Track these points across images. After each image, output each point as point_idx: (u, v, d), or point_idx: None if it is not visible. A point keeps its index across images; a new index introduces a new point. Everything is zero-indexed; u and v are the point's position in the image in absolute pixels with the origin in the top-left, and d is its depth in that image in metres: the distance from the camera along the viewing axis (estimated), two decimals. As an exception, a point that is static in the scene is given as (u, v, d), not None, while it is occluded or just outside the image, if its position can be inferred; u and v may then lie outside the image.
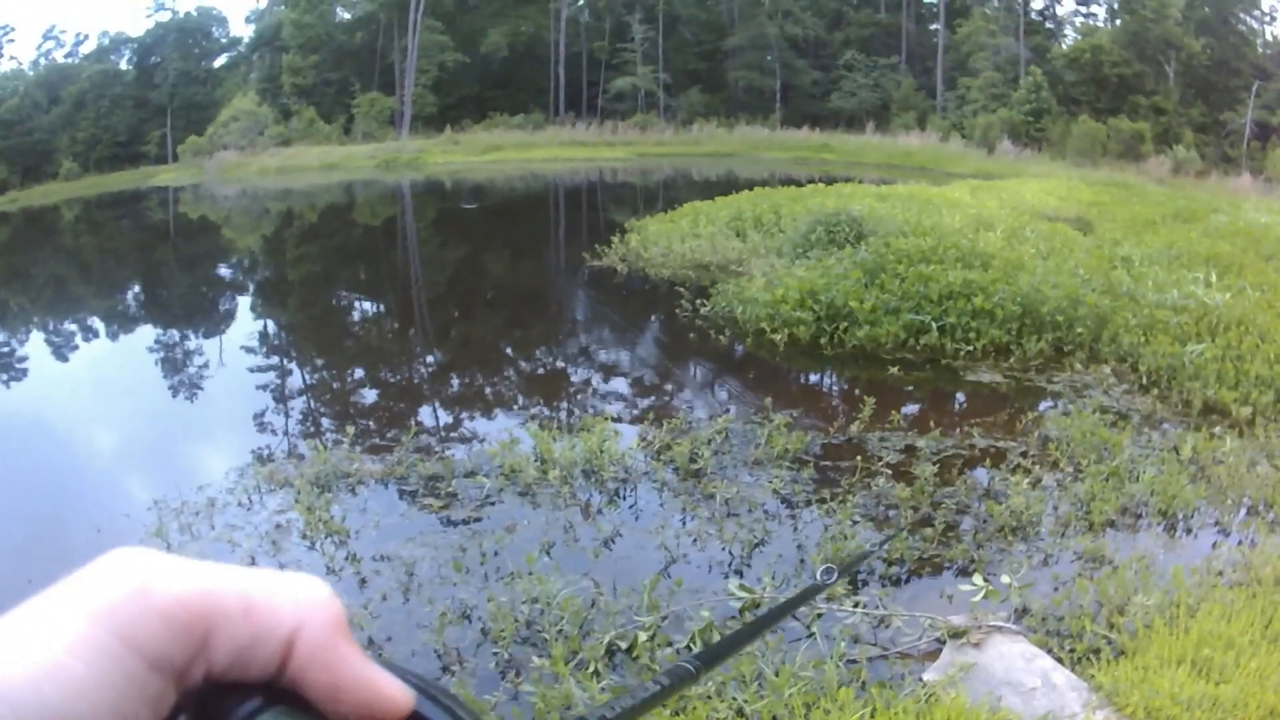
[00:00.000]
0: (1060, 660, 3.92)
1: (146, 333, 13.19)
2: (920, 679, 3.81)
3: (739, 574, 4.86)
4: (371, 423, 8.08)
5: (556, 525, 5.42)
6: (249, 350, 11.20)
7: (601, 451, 6.20)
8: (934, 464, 6.04)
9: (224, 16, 47.62)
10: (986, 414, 7.24)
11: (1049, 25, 44.52)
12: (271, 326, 13.31)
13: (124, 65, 45.83)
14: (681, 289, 11.51)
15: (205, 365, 10.90)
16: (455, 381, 10.08)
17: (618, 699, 0.47)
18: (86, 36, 50.16)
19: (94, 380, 10.44)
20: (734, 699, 3.65)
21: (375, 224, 24.49)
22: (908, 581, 4.81)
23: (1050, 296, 9.21)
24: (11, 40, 61.63)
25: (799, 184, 19.00)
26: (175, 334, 12.71)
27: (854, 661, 3.96)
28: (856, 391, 7.93)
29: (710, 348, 9.76)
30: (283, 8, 43.63)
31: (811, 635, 4.16)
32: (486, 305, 13.74)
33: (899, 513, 5.52)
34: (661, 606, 4.37)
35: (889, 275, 9.78)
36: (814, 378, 9.47)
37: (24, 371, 11.23)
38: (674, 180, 30.48)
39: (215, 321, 13.77)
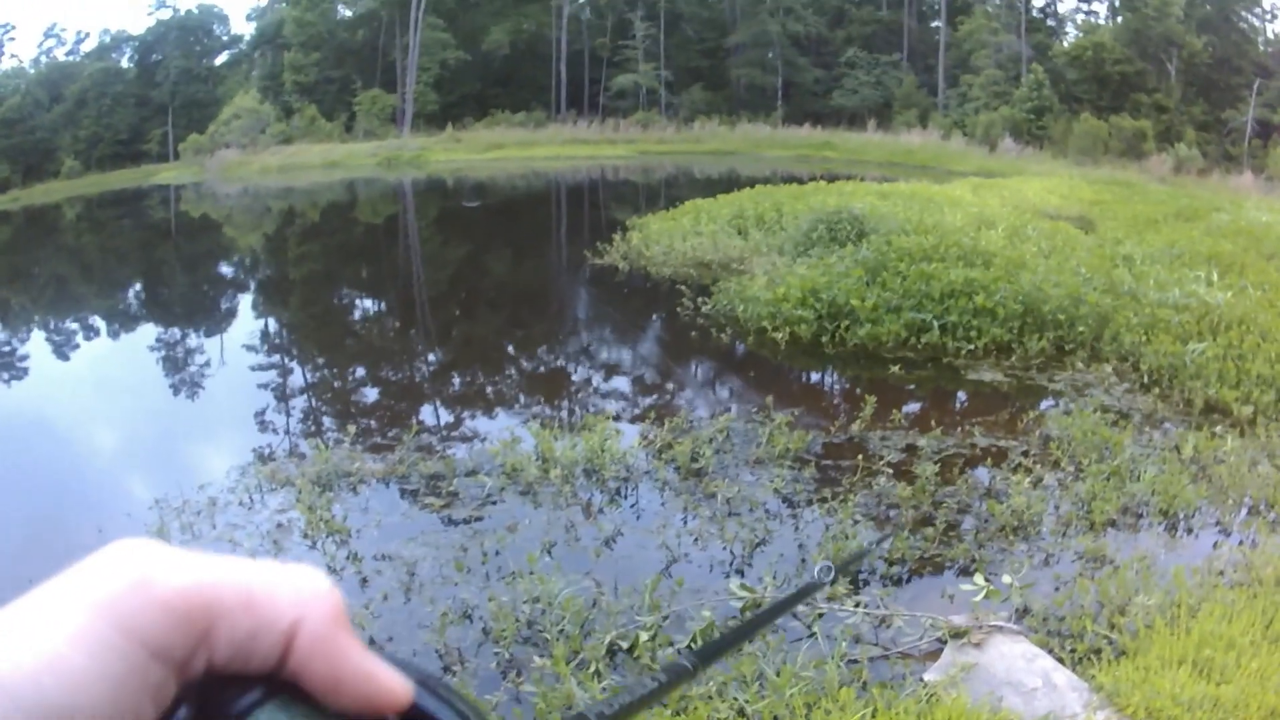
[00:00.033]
0: (1061, 660, 3.92)
1: (148, 331, 13.21)
2: (921, 679, 3.81)
3: (740, 573, 4.87)
4: (373, 421, 8.08)
5: (558, 524, 5.43)
6: (250, 349, 11.21)
7: (603, 450, 6.20)
8: (935, 463, 6.04)
9: (225, 14, 47.68)
10: (988, 413, 7.25)
11: (1050, 23, 44.52)
12: (273, 325, 13.32)
13: (125, 63, 45.84)
14: (683, 287, 11.51)
15: (207, 364, 10.91)
16: (457, 380, 10.08)
17: (617, 696, 0.47)
18: (88, 34, 50.25)
19: (95, 379, 10.45)
20: (735, 699, 3.65)
21: (377, 222, 24.49)
22: (909, 581, 4.81)
23: (1052, 295, 9.21)
24: (13, 39, 61.76)
25: (801, 182, 19.00)
26: (177, 332, 12.72)
27: (855, 661, 3.97)
28: (858, 390, 7.93)
29: (711, 346, 9.76)
30: (284, 5, 43.63)
31: (813, 635, 4.17)
32: (488, 304, 13.74)
33: (900, 512, 5.52)
34: (663, 606, 4.37)
35: (890, 273, 9.78)
36: (815, 376, 9.47)
37: (25, 370, 11.24)
38: (675, 178, 30.47)
39: (217, 320, 13.78)
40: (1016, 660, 3.84)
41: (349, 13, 45.49)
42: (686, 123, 41.58)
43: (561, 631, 4.18)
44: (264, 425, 8.12)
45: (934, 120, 38.76)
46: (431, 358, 11.27)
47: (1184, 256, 11.78)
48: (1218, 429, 6.68)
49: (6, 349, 12.29)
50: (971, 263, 10.07)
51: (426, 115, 41.38)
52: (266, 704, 0.35)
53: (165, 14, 45.91)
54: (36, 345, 12.70)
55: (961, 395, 8.28)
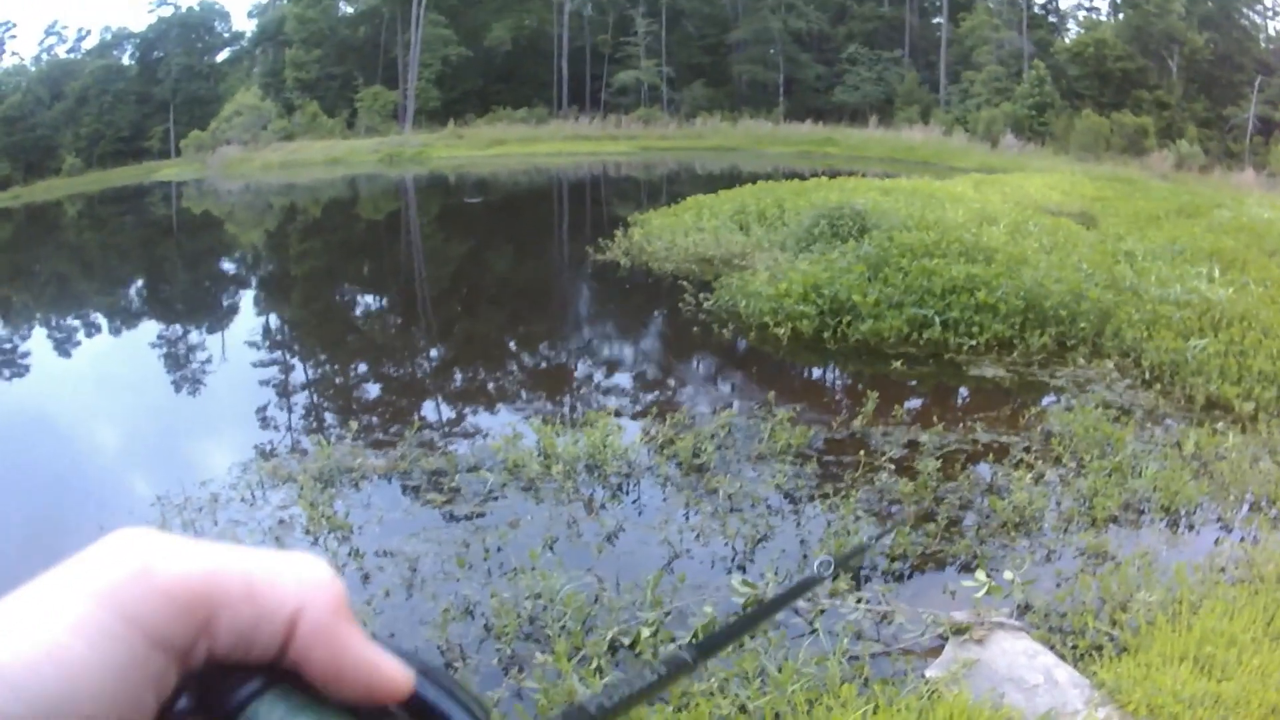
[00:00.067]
0: (1063, 657, 3.92)
1: (150, 328, 13.21)
2: (923, 675, 3.82)
3: (742, 569, 4.87)
4: (375, 418, 8.09)
5: (560, 520, 5.43)
6: (252, 345, 11.21)
7: (605, 446, 6.19)
8: (937, 459, 6.04)
9: (226, 11, 47.74)
10: (989, 409, 7.24)
11: (1052, 19, 44.49)
12: (274, 321, 13.32)
13: (127, 60, 45.81)
14: (685, 283, 11.50)
15: (208, 360, 10.92)
16: (458, 376, 10.08)
17: (616, 688, 0.46)
18: (89, 32, 50.41)
19: (97, 376, 10.46)
20: (736, 695, 3.65)
21: (378, 218, 24.49)
22: (910, 577, 4.81)
23: (1053, 291, 9.20)
24: (14, 36, 61.81)
25: (802, 178, 18.99)
26: (178, 329, 12.73)
27: (856, 658, 3.97)
28: (859, 386, 7.93)
29: (713, 342, 9.76)
30: (286, 2, 43.60)
31: (814, 631, 4.17)
32: (489, 300, 13.73)
33: (902, 508, 5.52)
34: (664, 602, 4.37)
35: (892, 269, 9.77)
36: (817, 372, 9.47)
37: (27, 367, 11.24)
38: (677, 174, 30.45)
39: (218, 317, 13.78)
40: (1018, 657, 3.84)
41: (350, 9, 45.48)
42: (688, 119, 41.56)
43: (563, 627, 4.18)
44: (266, 421, 8.13)
45: (936, 116, 38.72)
46: (433, 354, 11.27)
47: (1186, 253, 11.77)
48: (1219, 425, 6.67)
49: (8, 346, 12.30)
50: (973, 259, 10.06)
51: (428, 112, 41.37)
52: (267, 692, 0.35)
53: (166, 11, 45.95)
54: (38, 342, 12.70)
55: (963, 391, 8.27)
